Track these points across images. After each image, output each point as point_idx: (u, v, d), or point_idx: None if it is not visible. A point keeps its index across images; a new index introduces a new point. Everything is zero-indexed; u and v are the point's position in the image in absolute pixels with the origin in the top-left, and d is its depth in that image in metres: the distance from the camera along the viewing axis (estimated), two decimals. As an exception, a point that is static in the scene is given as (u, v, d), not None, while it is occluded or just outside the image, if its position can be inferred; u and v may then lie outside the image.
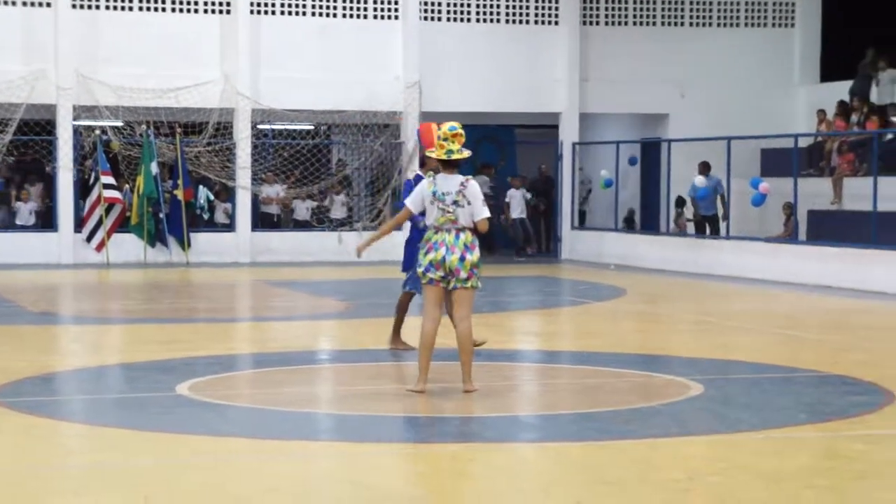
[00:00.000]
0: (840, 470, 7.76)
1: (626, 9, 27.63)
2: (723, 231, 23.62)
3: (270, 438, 8.58)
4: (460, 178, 10.05)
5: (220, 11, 25.64)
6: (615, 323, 15.97)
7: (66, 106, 24.80)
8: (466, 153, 10.07)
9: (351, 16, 26.29)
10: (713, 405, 9.79)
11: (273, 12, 25.91)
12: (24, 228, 25.28)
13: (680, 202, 24.80)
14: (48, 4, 24.75)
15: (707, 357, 12.56)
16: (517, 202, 27.06)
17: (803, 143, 24.52)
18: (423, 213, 10.37)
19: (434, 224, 10.05)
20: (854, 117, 24.94)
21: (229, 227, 25.98)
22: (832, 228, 22.19)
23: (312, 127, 27.22)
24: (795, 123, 27.13)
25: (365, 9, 26.34)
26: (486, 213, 10.00)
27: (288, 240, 26.19)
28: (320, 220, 26.54)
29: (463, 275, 9.97)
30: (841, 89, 26.16)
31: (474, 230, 10.05)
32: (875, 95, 25.25)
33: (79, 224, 24.96)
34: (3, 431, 8.91)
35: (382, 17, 26.42)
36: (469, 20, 26.90)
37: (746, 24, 28.08)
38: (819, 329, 15.24)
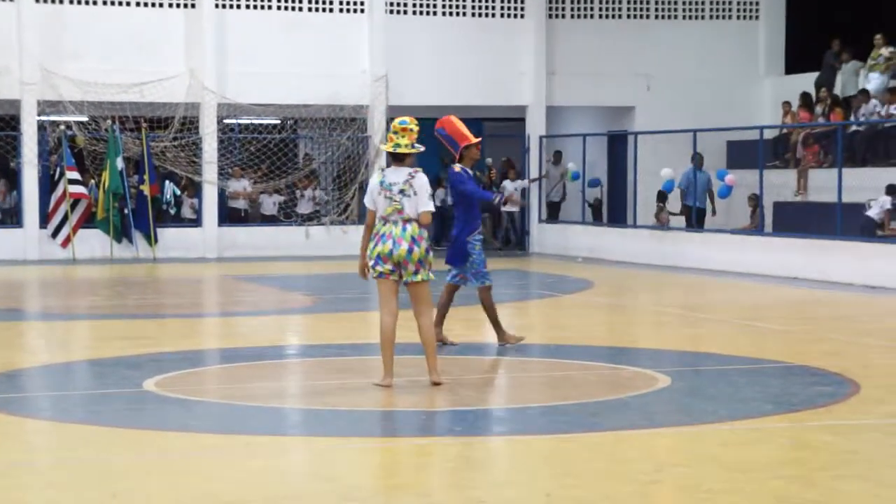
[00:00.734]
0: (806, 460, 7.81)
1: (591, 2, 27.69)
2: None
3: (239, 434, 8.56)
4: (409, 170, 10.06)
5: (185, 5, 25.54)
6: (583, 316, 16.00)
7: (30, 101, 24.66)
8: (417, 149, 10.05)
9: (317, 9, 26.24)
10: (680, 397, 9.84)
11: (238, 6, 25.83)
12: (-11, 224, 25.16)
13: (661, 196, 24.70)
14: (11, -1, 24.62)
15: (674, 349, 12.61)
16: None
17: (769, 134, 24.64)
18: (461, 203, 10.61)
19: (382, 215, 10.04)
20: (818, 109, 25.07)
21: (196, 222, 25.90)
22: (797, 220, 22.30)
23: (279, 121, 27.16)
24: (761, 115, 27.26)
25: (331, 2, 26.29)
26: (430, 207, 9.98)
27: (255, 235, 26.14)
28: (287, 215, 26.50)
29: (411, 268, 9.96)
30: (806, 81, 26.30)
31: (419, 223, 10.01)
32: (839, 87, 25.38)
33: (44, 220, 24.83)
34: (-31, 429, 8.86)
35: (348, 10, 26.38)
36: (435, 13, 26.89)
37: (712, 17, 28.18)
38: (785, 320, 15.32)
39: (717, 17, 28.19)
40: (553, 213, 27.70)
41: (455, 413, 9.29)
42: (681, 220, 24.21)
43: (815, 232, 20.61)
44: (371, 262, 10.04)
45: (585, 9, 27.71)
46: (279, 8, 26.08)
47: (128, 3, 25.34)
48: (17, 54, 24.59)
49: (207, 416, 9.31)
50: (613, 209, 27.88)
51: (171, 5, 25.51)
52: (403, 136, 10.05)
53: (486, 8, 27.15)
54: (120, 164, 24.79)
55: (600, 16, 27.74)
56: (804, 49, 27.47)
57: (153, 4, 25.43)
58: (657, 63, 27.69)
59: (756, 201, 22.87)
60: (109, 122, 24.97)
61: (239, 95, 25.54)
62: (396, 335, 10.09)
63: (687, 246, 22.88)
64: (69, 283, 21.34)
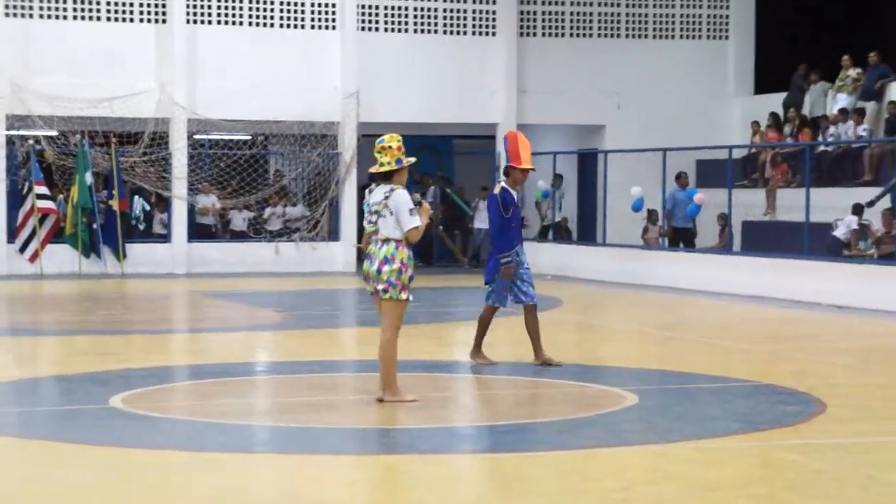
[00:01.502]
0: (773, 479, 7.83)
1: (563, 20, 27.79)
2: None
3: (206, 451, 8.53)
4: (386, 188, 10.06)
5: (156, 21, 25.50)
6: (551, 333, 15.96)
7: (-2, 116, 24.57)
8: (400, 165, 10.04)
9: (288, 25, 26.24)
10: (647, 415, 9.86)
11: (209, 22, 25.81)
12: (-44, 239, 25.00)
13: (651, 216, 24.34)
14: (-20, 13, 24.52)
15: (642, 367, 12.64)
16: (481, 212, 27.26)
17: (738, 154, 24.76)
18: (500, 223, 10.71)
19: (368, 234, 10.12)
20: (787, 129, 25.23)
21: (165, 237, 25.82)
22: (766, 239, 22.41)
23: (249, 137, 27.12)
24: (730, 135, 27.39)
25: (302, 18, 26.30)
26: (413, 223, 9.95)
27: (224, 250, 26.06)
28: (257, 231, 26.45)
29: (380, 286, 9.99)
30: (774, 101, 26.46)
31: (404, 241, 10.01)
32: (807, 108, 25.55)
33: (12, 235, 24.70)
34: (-67, 445, 8.80)
35: (320, 26, 26.39)
36: (407, 30, 26.93)
37: (682, 37, 28.32)
38: (752, 339, 15.37)
39: (688, 36, 28.34)
40: (545, 233, 27.29)
41: (422, 431, 9.27)
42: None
43: (784, 251, 20.71)
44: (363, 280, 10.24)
45: (557, 27, 27.81)
46: (250, 24, 26.06)
47: (98, 18, 25.28)
48: (-14, 68, 24.50)
49: (174, 432, 9.27)
50: (583, 227, 27.93)
51: (141, 20, 25.46)
52: (385, 155, 10.07)
53: (458, 25, 27.21)
54: (89, 178, 24.70)
55: (571, 34, 27.85)
56: (773, 69, 27.64)
57: (123, 19, 25.38)
58: (628, 82, 27.80)
59: (725, 220, 22.95)
60: (79, 136, 24.88)
61: (209, 111, 25.49)
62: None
63: (656, 264, 22.94)
64: (37, 298, 21.23)
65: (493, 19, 27.27)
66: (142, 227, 25.98)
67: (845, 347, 14.54)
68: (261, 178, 26.56)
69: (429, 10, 26.96)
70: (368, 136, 26.59)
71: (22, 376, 12.00)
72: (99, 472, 7.96)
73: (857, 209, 20.54)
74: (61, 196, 25.11)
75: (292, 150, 26.45)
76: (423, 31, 27.03)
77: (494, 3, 27.28)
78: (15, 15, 24.81)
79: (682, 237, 23.67)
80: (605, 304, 20.25)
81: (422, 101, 26.68)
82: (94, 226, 24.90)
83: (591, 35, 27.93)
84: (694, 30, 28.37)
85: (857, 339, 15.51)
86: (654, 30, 28.21)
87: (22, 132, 25.02)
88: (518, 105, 27.38)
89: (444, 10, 27.06)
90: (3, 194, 24.73)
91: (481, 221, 27.48)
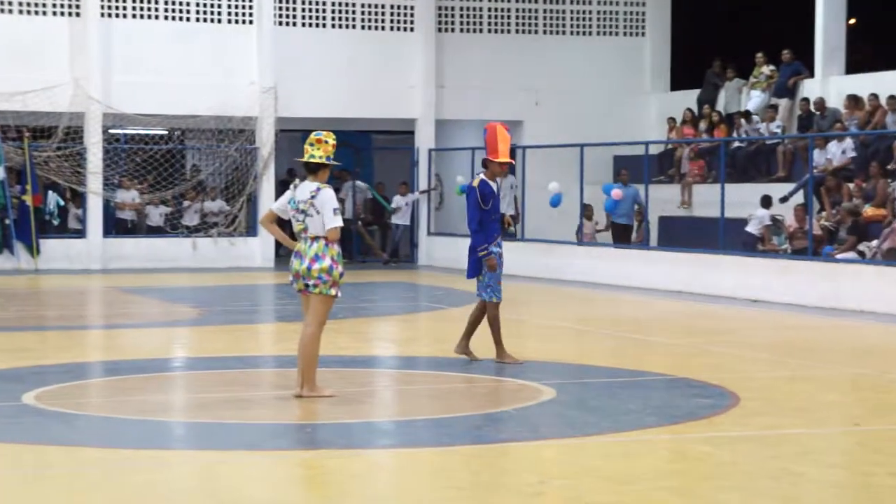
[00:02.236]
0: (687, 472, 7.92)
1: (480, 16, 27.85)
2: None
3: (121, 448, 8.46)
4: (314, 185, 10.02)
5: (69, 14, 25.20)
6: (470, 328, 16.03)
7: None
8: (330, 162, 10.02)
9: (205, 20, 26.05)
10: (564, 409, 9.92)
11: (125, 15, 25.55)
12: None
13: (587, 212, 24.08)
14: None
15: (559, 361, 12.72)
16: (403, 209, 27.26)
17: (654, 150, 24.97)
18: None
19: (295, 231, 10.09)
20: (702, 125, 25.50)
21: (80, 233, 25.54)
22: (682, 234, 22.63)
23: (166, 132, 26.90)
24: (647, 131, 27.63)
25: (219, 13, 26.12)
26: (335, 223, 9.93)
27: (141, 246, 25.83)
28: (174, 227, 26.25)
29: (310, 282, 9.97)
30: (690, 98, 26.73)
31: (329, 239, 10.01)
32: (722, 104, 25.84)
33: (-77, 230, 24.32)
34: None
35: (237, 21, 26.23)
36: (325, 26, 26.84)
37: (599, 33, 28.50)
38: (669, 333, 15.53)
39: (604, 33, 28.52)
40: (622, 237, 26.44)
41: (340, 426, 9.27)
42: (606, 237, 24.16)
43: (700, 246, 20.92)
44: (290, 278, 10.17)
45: (474, 23, 27.87)
46: (166, 18, 25.84)
47: (10, 11, 24.93)
48: None
49: (89, 429, 9.19)
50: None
51: (54, 13, 25.15)
52: (318, 148, 10.03)
53: (376, 21, 27.17)
54: (1, 173, 24.36)
55: (489, 30, 27.92)
56: (689, 66, 27.91)
57: (36, 12, 25.05)
58: (545, 78, 27.92)
59: (641, 215, 23.14)
60: (-9, 131, 24.55)
61: (125, 105, 25.24)
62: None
63: (573, 259, 23.08)
64: (-52, 294, 20.91)
65: (412, 14, 27.27)
66: (56, 222, 25.67)
67: (759, 341, 14.73)
68: (177, 173, 26.36)
69: (346, 4, 26.89)
70: (286, 132, 26.54)
71: (-67, 374, 11.82)
72: (10, 470, 7.86)
73: (767, 201, 20.80)
74: (-27, 191, 24.75)
75: (209, 144, 26.28)
76: (340, 25, 26.95)
77: (413, -2, 27.29)
78: (-75, 7, 24.40)
79: (622, 233, 23.71)
80: (523, 299, 20.32)
81: (340, 95, 26.62)
82: (7, 221, 24.56)
83: (508, 31, 28.02)
84: (611, 26, 28.56)
85: (771, 333, 15.72)
86: (572, 26, 28.36)
87: (-67, 126, 24.64)
88: (436, 100, 27.41)
89: (362, 5, 27.01)
90: (-86, 189, 24.33)
91: (399, 217, 27.52)
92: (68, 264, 24.94)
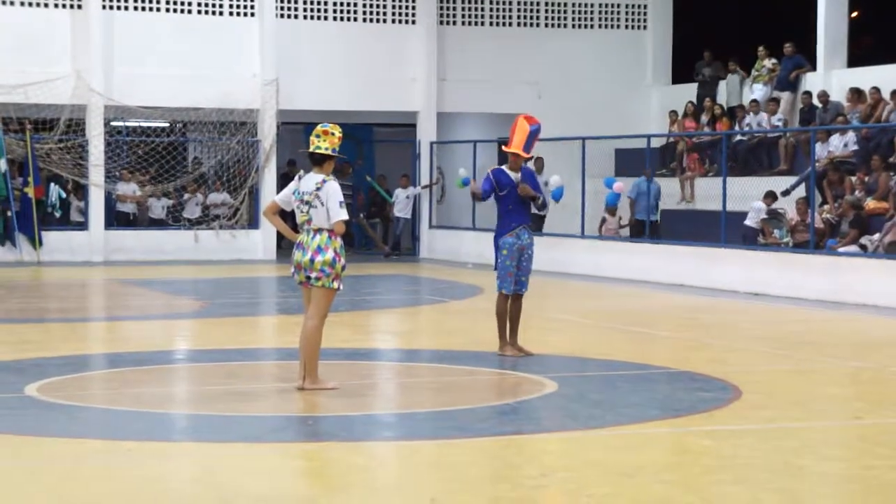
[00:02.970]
0: (688, 464, 7.93)
1: (482, 9, 27.84)
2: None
3: (123, 439, 8.46)
4: (319, 177, 10.02)
5: (72, 6, 25.19)
6: (472, 321, 16.06)
7: (-89, 102, 24.16)
8: (335, 154, 10.03)
9: (206, 12, 26.03)
10: (566, 402, 9.92)
11: (126, 8, 25.53)
12: None
13: (611, 208, 23.62)
14: None
15: (562, 354, 12.73)
16: (401, 202, 27.27)
17: (656, 143, 24.96)
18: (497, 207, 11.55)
19: (298, 223, 10.08)
20: (704, 118, 25.48)
21: (82, 225, 25.54)
22: (684, 228, 22.60)
23: (168, 124, 26.89)
24: (648, 124, 27.61)
25: (220, 5, 26.11)
26: (341, 216, 9.93)
27: (143, 238, 25.84)
28: (176, 219, 26.25)
29: (313, 274, 9.96)
30: (691, 91, 26.71)
31: (333, 232, 10.01)
32: (723, 97, 25.82)
33: (-75, 222, 24.33)
34: None
35: (238, 13, 26.21)
36: (326, 18, 26.83)
37: (601, 26, 28.48)
38: (671, 327, 15.53)
39: (606, 26, 28.51)
40: (540, 226, 26.26)
41: (341, 418, 9.27)
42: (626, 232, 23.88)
43: (701, 240, 20.92)
44: (291, 270, 10.15)
45: (476, 16, 27.85)
46: (168, 10, 25.82)
47: (11, 3, 24.92)
48: None
49: (91, 421, 9.19)
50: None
51: (56, 5, 25.14)
52: (324, 140, 10.04)
53: (377, 13, 27.15)
54: (3, 165, 24.37)
55: (491, 23, 27.91)
56: (691, 59, 27.88)
57: (38, 4, 25.04)
58: (547, 71, 27.91)
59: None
60: (-8, 123, 24.56)
61: (126, 97, 25.23)
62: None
63: (576, 253, 23.08)
64: (-50, 286, 20.92)
65: (413, 7, 27.25)
66: (58, 214, 25.68)
67: (761, 335, 14.73)
68: (179, 165, 26.36)
69: (349, -3, 26.91)
70: (288, 124, 26.54)
71: (-65, 366, 11.83)
72: (12, 462, 7.87)
73: (771, 195, 20.77)
74: (-25, 183, 24.76)
75: (211, 137, 26.27)
76: (342, 18, 26.94)
77: (414, -10, 27.28)
78: (-73, -1, 24.39)
79: (639, 228, 23.06)
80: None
81: (342, 88, 26.61)
82: (9, 213, 24.58)
83: (510, 24, 28.01)
84: (612, 19, 28.54)
85: (773, 327, 15.71)
86: (573, 19, 28.34)
87: (-65, 118, 24.64)
88: (438, 93, 27.40)
89: (364, -2, 27.01)
90: (-84, 181, 24.33)
91: (401, 210, 27.52)
92: (70, 256, 24.94)
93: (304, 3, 26.65)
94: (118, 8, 25.46)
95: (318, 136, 10.05)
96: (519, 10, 28.00)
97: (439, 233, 27.46)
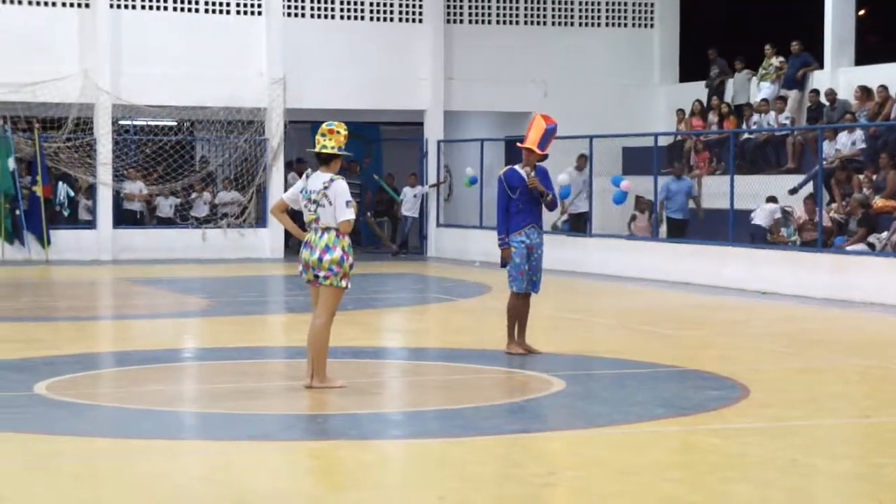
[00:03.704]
0: (695, 463, 7.93)
1: (489, 7, 27.84)
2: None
3: (132, 438, 8.49)
4: (327, 176, 10.03)
5: (79, 5, 25.22)
6: (480, 320, 16.08)
7: (-81, 101, 24.21)
8: (342, 153, 10.03)
9: (214, 11, 26.06)
10: (574, 401, 9.93)
11: (133, 6, 25.57)
12: None
13: (641, 206, 23.27)
14: None
15: (569, 353, 12.73)
16: (409, 200, 27.28)
17: (663, 141, 24.94)
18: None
19: (305, 221, 10.09)
20: (712, 117, 25.46)
21: (90, 224, 25.59)
22: (691, 226, 22.58)
23: (175, 123, 26.93)
24: (655, 122, 27.59)
25: (228, 4, 26.13)
26: (348, 215, 9.92)
27: (151, 237, 25.88)
28: (184, 217, 26.29)
29: (321, 272, 9.97)
30: (699, 90, 26.69)
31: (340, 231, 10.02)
32: (730, 96, 25.80)
33: (-67, 221, 24.38)
34: None
35: (245, 12, 26.24)
36: (333, 17, 26.85)
37: (608, 24, 28.47)
38: (678, 325, 15.53)
39: (613, 24, 28.49)
40: (576, 225, 24.75)
41: (350, 416, 9.29)
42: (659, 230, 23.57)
43: (709, 238, 20.90)
44: (299, 269, 10.16)
45: (483, 14, 27.86)
46: (175, 9, 25.85)
47: (20, 2, 24.96)
48: None
49: (100, 419, 9.22)
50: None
51: (64, 4, 25.17)
52: (330, 139, 10.04)
53: (384, 12, 27.16)
54: (11, 164, 24.42)
55: (498, 22, 27.91)
56: (698, 57, 27.87)
57: (46, 3, 25.07)
58: (554, 69, 27.91)
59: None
60: (0, 121, 24.57)
61: (134, 96, 25.27)
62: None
63: (584, 251, 23.08)
64: (-41, 285, 20.96)
65: (420, 6, 27.26)
66: (66, 213, 25.72)
67: (768, 333, 14.73)
68: (187, 164, 26.39)
69: (356, -4, 26.92)
70: (295, 123, 26.56)
71: (-56, 364, 11.86)
72: (21, 460, 7.90)
73: (772, 200, 20.74)
74: (-17, 182, 24.80)
75: (218, 136, 26.30)
76: (349, 17, 26.96)
77: (421, -11, 27.29)
78: (-65, -2, 24.43)
79: (676, 228, 22.56)
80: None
81: (349, 87, 26.62)
82: (18, 212, 24.62)
83: (517, 22, 28.00)
84: (619, 18, 28.52)
85: (781, 325, 15.71)
86: (580, 17, 28.33)
87: (-57, 117, 24.68)
88: (445, 92, 27.41)
89: (371, -3, 27.03)
90: (-75, 180, 24.37)
91: (409, 209, 27.53)
92: (78, 255, 24.99)
93: (312, 1, 26.66)
94: (126, 7, 25.50)
95: (323, 134, 10.06)
96: (526, 8, 27.99)
97: (447, 231, 27.47)
